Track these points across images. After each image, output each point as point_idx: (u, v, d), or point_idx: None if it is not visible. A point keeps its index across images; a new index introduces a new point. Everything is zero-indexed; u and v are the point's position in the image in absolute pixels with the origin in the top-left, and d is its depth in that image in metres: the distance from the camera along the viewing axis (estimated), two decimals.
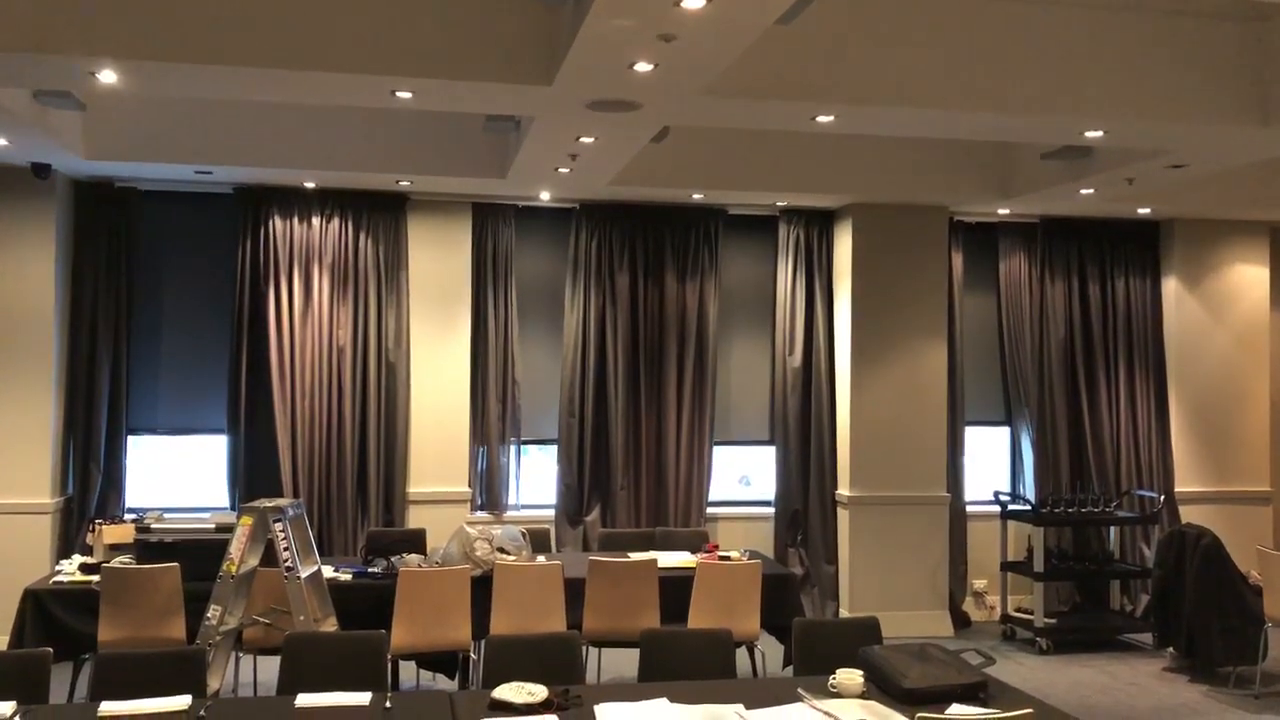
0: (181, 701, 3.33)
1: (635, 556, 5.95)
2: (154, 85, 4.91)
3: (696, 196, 7.70)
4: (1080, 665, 7.16)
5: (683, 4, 3.67)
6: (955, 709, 3.42)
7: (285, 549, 4.85)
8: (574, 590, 5.52)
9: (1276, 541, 8.66)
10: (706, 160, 7.20)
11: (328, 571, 5.56)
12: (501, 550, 5.80)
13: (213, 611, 4.74)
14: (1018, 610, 7.96)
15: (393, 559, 5.84)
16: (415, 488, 7.66)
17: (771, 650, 5.92)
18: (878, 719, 3.36)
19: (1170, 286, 8.61)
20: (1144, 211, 8.16)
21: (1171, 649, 7.05)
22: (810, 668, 4.11)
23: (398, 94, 4.90)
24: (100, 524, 5.99)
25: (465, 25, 4.66)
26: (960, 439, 8.25)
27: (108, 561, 5.51)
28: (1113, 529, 8.23)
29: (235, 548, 4.81)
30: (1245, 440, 8.62)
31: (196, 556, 5.30)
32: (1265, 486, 8.64)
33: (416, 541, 6.44)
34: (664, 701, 3.51)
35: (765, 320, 8.32)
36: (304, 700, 3.50)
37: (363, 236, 7.60)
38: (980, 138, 5.98)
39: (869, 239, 7.93)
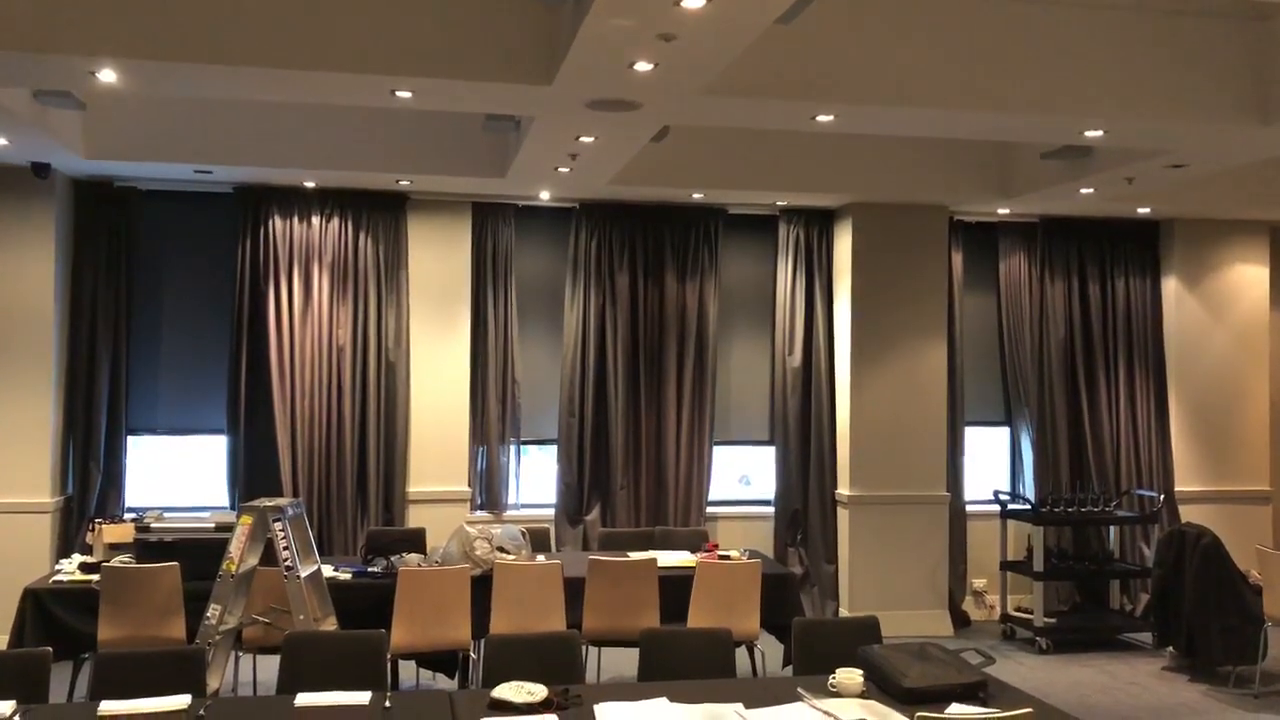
0: (181, 701, 3.32)
1: (635, 556, 5.96)
2: (154, 85, 4.91)
3: (696, 196, 7.70)
4: (1080, 665, 7.16)
5: (682, 4, 3.67)
6: (955, 708, 3.43)
7: (285, 548, 4.85)
8: (574, 590, 5.52)
9: (1276, 541, 8.66)
10: (706, 160, 7.20)
11: (327, 571, 5.57)
12: (501, 550, 5.80)
13: (212, 611, 4.74)
14: (1017, 610, 7.96)
15: (392, 558, 5.84)
16: (415, 487, 7.67)
17: (771, 650, 5.92)
18: (877, 718, 3.36)
19: (1170, 286, 8.61)
20: (1144, 211, 8.16)
21: (1171, 648, 7.05)
22: (810, 667, 4.11)
23: (398, 94, 4.90)
24: (100, 523, 6.00)
25: (465, 25, 4.66)
26: (960, 438, 8.25)
27: (107, 561, 5.51)
28: (1112, 528, 8.23)
29: (235, 547, 4.81)
30: (1245, 440, 8.62)
31: (196, 556, 5.30)
32: (1265, 486, 8.64)
33: (416, 541, 6.44)
34: (664, 701, 3.51)
35: (765, 320, 8.32)
36: (303, 700, 3.50)
37: (362, 236, 7.60)
38: (980, 137, 5.98)
39: (869, 239, 7.93)
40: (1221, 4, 5.25)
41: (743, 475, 8.51)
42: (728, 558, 6.07)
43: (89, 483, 7.19)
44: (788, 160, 7.29)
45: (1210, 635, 6.56)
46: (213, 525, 5.87)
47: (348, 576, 5.66)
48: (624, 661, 5.24)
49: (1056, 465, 8.42)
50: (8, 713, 3.31)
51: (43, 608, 5.27)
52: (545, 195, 7.75)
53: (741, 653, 5.36)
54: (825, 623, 4.77)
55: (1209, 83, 5.31)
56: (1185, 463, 8.56)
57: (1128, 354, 8.53)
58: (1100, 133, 5.56)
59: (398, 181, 7.22)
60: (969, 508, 8.31)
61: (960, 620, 8.13)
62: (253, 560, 4.96)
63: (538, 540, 6.41)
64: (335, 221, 7.56)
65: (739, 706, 3.44)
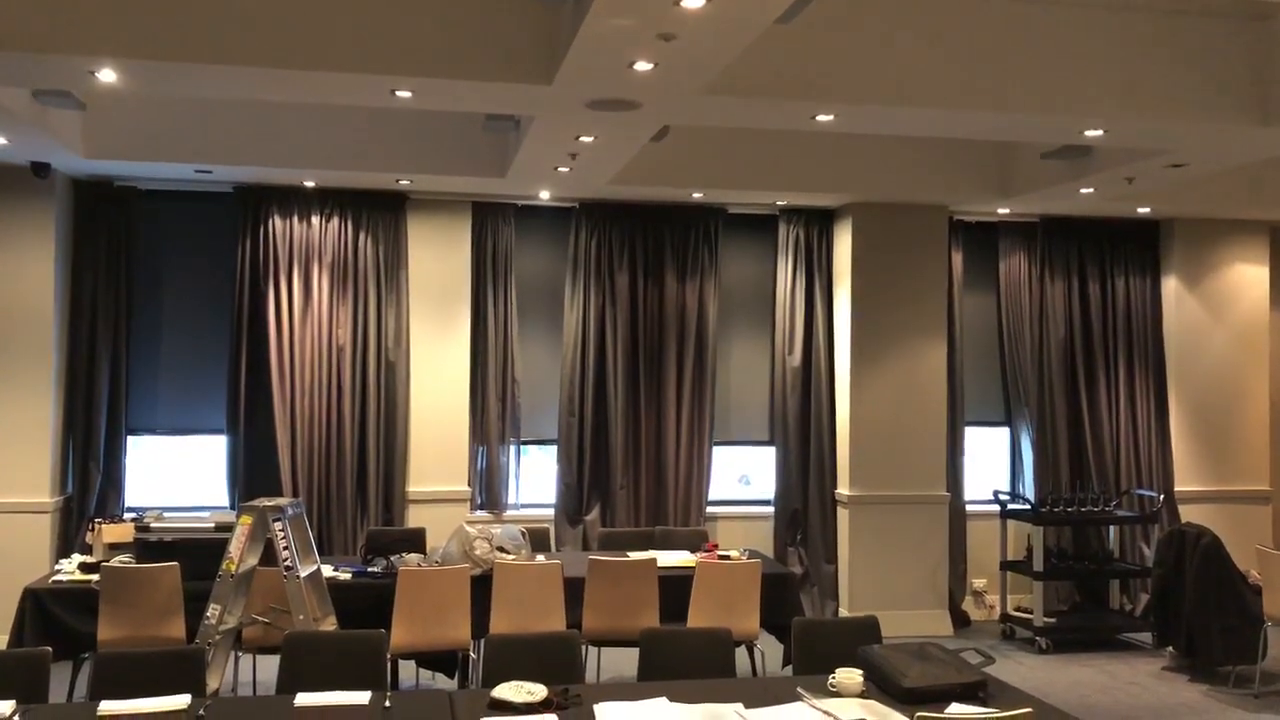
0: (181, 701, 3.33)
1: (635, 556, 5.96)
2: (154, 85, 4.91)
3: (696, 196, 7.70)
4: (1080, 664, 7.16)
5: (682, 3, 3.67)
6: (955, 708, 3.43)
7: (285, 548, 4.85)
8: (573, 589, 5.52)
9: (1276, 541, 8.66)
10: (706, 159, 7.20)
11: (327, 570, 5.57)
12: (501, 549, 5.80)
13: (212, 611, 4.74)
14: (1017, 609, 7.96)
15: (392, 558, 5.84)
16: (415, 487, 7.67)
17: (771, 649, 5.92)
18: (877, 718, 3.36)
19: (1170, 286, 8.61)
20: (1144, 211, 8.16)
21: (1171, 648, 7.05)
22: (810, 667, 4.11)
23: (398, 93, 4.90)
24: (100, 523, 5.99)
25: (465, 25, 4.66)
26: (960, 438, 8.25)
27: (107, 561, 5.51)
28: (1112, 528, 8.23)
29: (235, 547, 4.81)
30: (1245, 439, 8.62)
31: (196, 556, 5.30)
32: (1265, 486, 8.64)
33: (416, 541, 6.44)
34: (663, 701, 3.51)
35: (765, 320, 8.32)
36: (303, 699, 3.50)
37: (362, 236, 7.60)
38: (980, 137, 5.98)
39: (869, 238, 7.93)
40: (1221, 4, 5.25)
41: (742, 475, 8.51)
42: (727, 557, 6.07)
43: (89, 483, 7.19)
44: (788, 160, 7.29)
45: (1210, 635, 6.56)
46: (212, 525, 5.86)
47: (347, 576, 5.67)
48: (624, 661, 5.24)
49: (1056, 465, 8.42)
50: (7, 712, 3.31)
51: (42, 607, 5.27)
52: (545, 195, 7.75)
53: (741, 652, 5.36)
54: (825, 623, 4.77)
55: (1209, 83, 5.30)
56: (1185, 462, 8.56)
57: (1128, 354, 8.53)
58: (1100, 132, 5.56)
59: (398, 181, 7.22)
60: (969, 507, 8.31)
61: (960, 620, 8.13)
62: (252, 560, 4.96)
63: (537, 540, 6.41)
64: (335, 221, 7.56)
65: (739, 706, 3.44)
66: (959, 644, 5.84)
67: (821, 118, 5.34)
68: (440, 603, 5.32)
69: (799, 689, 3.61)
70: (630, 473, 7.90)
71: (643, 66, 4.38)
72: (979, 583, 8.42)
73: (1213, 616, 6.56)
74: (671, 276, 7.99)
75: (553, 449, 7.93)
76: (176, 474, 7.68)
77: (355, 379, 7.54)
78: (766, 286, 8.32)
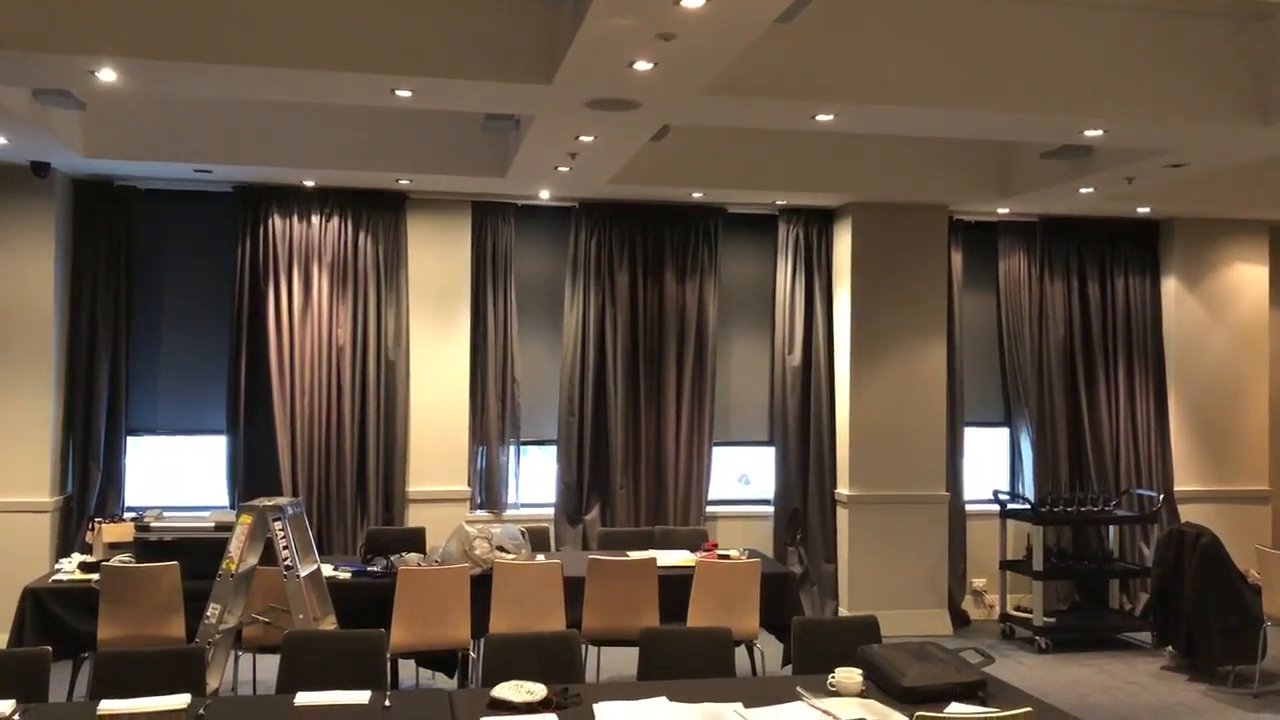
0: (181, 700, 3.32)
1: (634, 555, 5.96)
2: (154, 85, 4.91)
3: (696, 195, 7.70)
4: (1079, 664, 7.17)
5: (682, 3, 3.67)
6: (954, 708, 3.43)
7: (284, 547, 4.85)
8: (573, 589, 5.52)
9: (1275, 540, 8.66)
10: (706, 159, 7.20)
11: (327, 570, 5.57)
12: (501, 549, 5.80)
13: (212, 610, 4.74)
14: (1017, 609, 7.96)
15: (392, 558, 5.84)
16: (414, 486, 7.67)
17: (771, 649, 5.93)
18: (877, 718, 3.36)
19: (1170, 286, 8.61)
20: (1143, 211, 8.16)
21: (1170, 648, 7.06)
22: (809, 666, 4.11)
23: (397, 93, 4.90)
24: (100, 522, 6.00)
25: (465, 24, 4.66)
26: (960, 438, 8.25)
27: (107, 560, 5.51)
28: (1112, 528, 8.24)
29: (234, 546, 4.82)
30: (1244, 439, 8.62)
31: (196, 555, 5.30)
32: (1264, 485, 8.64)
33: (416, 540, 6.44)
34: (663, 700, 3.51)
35: (765, 319, 8.33)
36: (303, 699, 3.50)
37: (362, 235, 7.60)
38: (980, 137, 5.98)
39: (868, 238, 7.93)
40: (1221, 4, 5.25)
41: (742, 474, 8.51)
42: (727, 557, 6.07)
43: (89, 482, 7.19)
44: (787, 160, 7.29)
45: (1210, 635, 6.56)
46: (212, 525, 5.86)
47: (347, 576, 5.67)
48: (623, 661, 5.25)
49: (1056, 464, 8.42)
50: (7, 712, 3.31)
51: (42, 607, 5.27)
52: (545, 195, 7.75)
53: (741, 652, 5.36)
54: (824, 622, 4.77)
55: (1209, 83, 5.31)
56: (1185, 462, 8.56)
57: (1127, 354, 8.53)
58: (1100, 132, 5.56)
59: (397, 181, 7.22)
60: (968, 507, 8.32)
61: (960, 620, 8.13)
62: (252, 560, 4.96)
63: (537, 540, 6.41)
64: (335, 221, 7.56)
65: (738, 706, 3.45)
66: (958, 643, 5.84)
67: (821, 118, 5.35)
68: (440, 602, 5.32)
69: (798, 688, 3.61)
70: (630, 472, 7.90)
71: (643, 66, 4.38)
72: (978, 582, 8.42)
73: (1212, 616, 6.56)
74: (671, 276, 7.99)
75: (552, 449, 7.93)
76: (176, 474, 7.68)
77: (355, 379, 7.54)
78: (766, 286, 8.32)
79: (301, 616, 4.79)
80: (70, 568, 5.63)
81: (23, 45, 4.33)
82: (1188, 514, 8.31)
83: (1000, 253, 8.51)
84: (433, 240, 7.75)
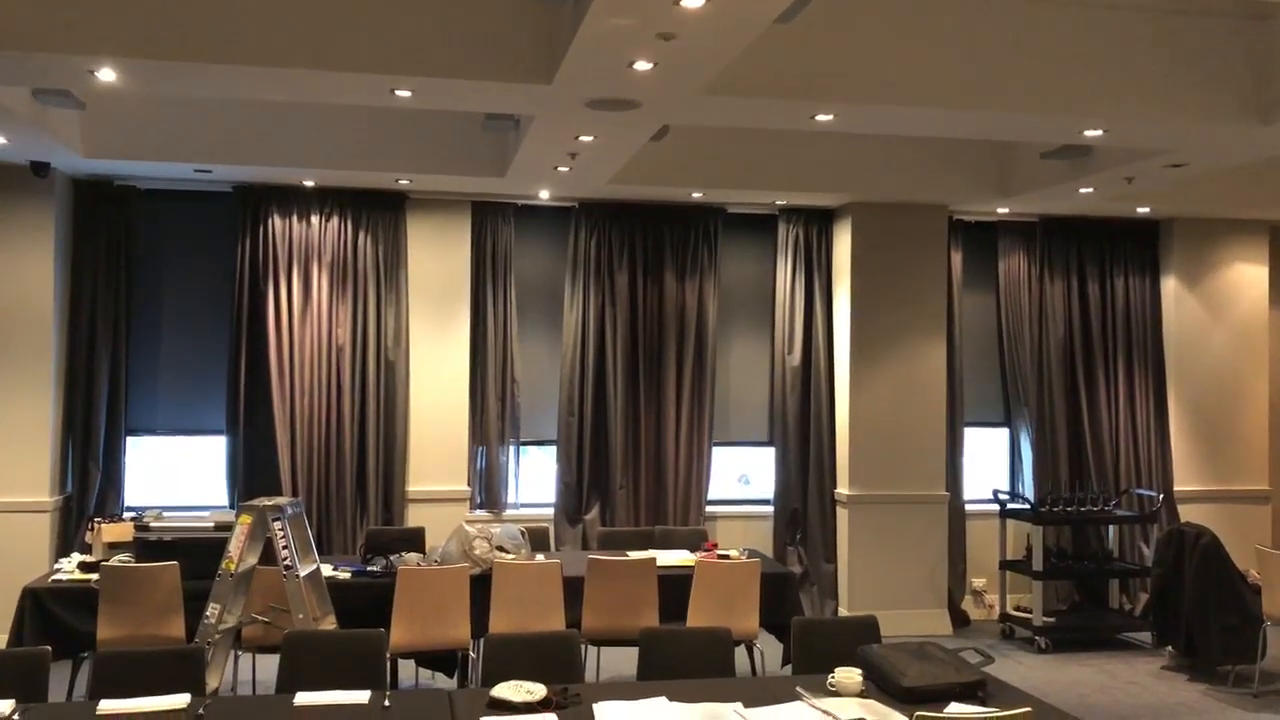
0: (180, 700, 3.33)
1: (634, 555, 5.96)
2: (154, 84, 4.91)
3: (696, 195, 7.70)
4: (1079, 664, 7.17)
5: (682, 3, 3.67)
6: (954, 708, 3.43)
7: (284, 547, 4.85)
8: (573, 589, 5.52)
9: (1275, 540, 8.67)
10: (706, 159, 7.20)
11: (327, 570, 5.57)
12: (500, 549, 5.80)
13: (211, 610, 4.74)
14: (1016, 609, 7.96)
15: (392, 558, 5.84)
16: (414, 486, 7.67)
17: (770, 649, 5.93)
18: (876, 718, 3.36)
19: (1169, 285, 8.61)
20: (1143, 210, 8.16)
21: (1170, 648, 7.06)
22: (809, 666, 4.11)
23: (397, 93, 4.90)
24: (99, 522, 6.00)
25: (465, 24, 4.66)
26: (959, 437, 8.25)
27: (107, 560, 5.51)
28: (1112, 528, 8.23)
29: (234, 546, 4.81)
30: (1244, 439, 8.63)
31: (195, 555, 5.30)
32: (1264, 485, 8.64)
33: (415, 540, 6.44)
34: (663, 700, 3.51)
35: (764, 319, 8.33)
36: (303, 699, 3.50)
37: (362, 235, 7.60)
38: (980, 137, 5.98)
39: (868, 238, 7.93)
40: (1221, 4, 5.25)
41: (742, 474, 8.51)
42: (727, 557, 6.07)
43: (88, 482, 7.19)
44: (787, 160, 7.29)
45: (1209, 635, 6.56)
46: (212, 524, 5.86)
47: (347, 576, 5.67)
48: (623, 661, 5.25)
49: (1056, 464, 8.42)
50: (7, 712, 3.31)
51: (42, 607, 5.27)
52: (545, 194, 7.75)
53: (740, 652, 5.36)
54: (824, 622, 4.77)
55: (1209, 83, 5.31)
56: (1184, 462, 8.57)
57: (1127, 353, 8.53)
58: (1100, 132, 5.56)
59: (397, 181, 7.22)
60: (968, 507, 8.32)
61: (959, 619, 8.13)
62: (252, 559, 4.96)
63: (537, 539, 6.41)
64: (335, 221, 7.56)
65: (738, 706, 3.45)
66: (958, 643, 5.84)
67: (821, 117, 5.35)
68: (440, 602, 5.32)
69: (798, 688, 3.61)
70: (630, 472, 7.90)
71: (642, 66, 4.38)
72: (978, 582, 8.42)
73: (1212, 616, 6.56)
74: (671, 276, 7.99)
75: (552, 449, 7.93)
76: (176, 474, 7.68)
77: (355, 379, 7.54)
78: (766, 286, 8.32)
79: (301, 616, 4.79)
80: (70, 568, 5.62)
81: (23, 45, 4.33)
82: (1187, 514, 8.31)
83: (1000, 253, 8.51)
84: (432, 240, 7.75)
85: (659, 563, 5.75)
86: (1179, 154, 6.04)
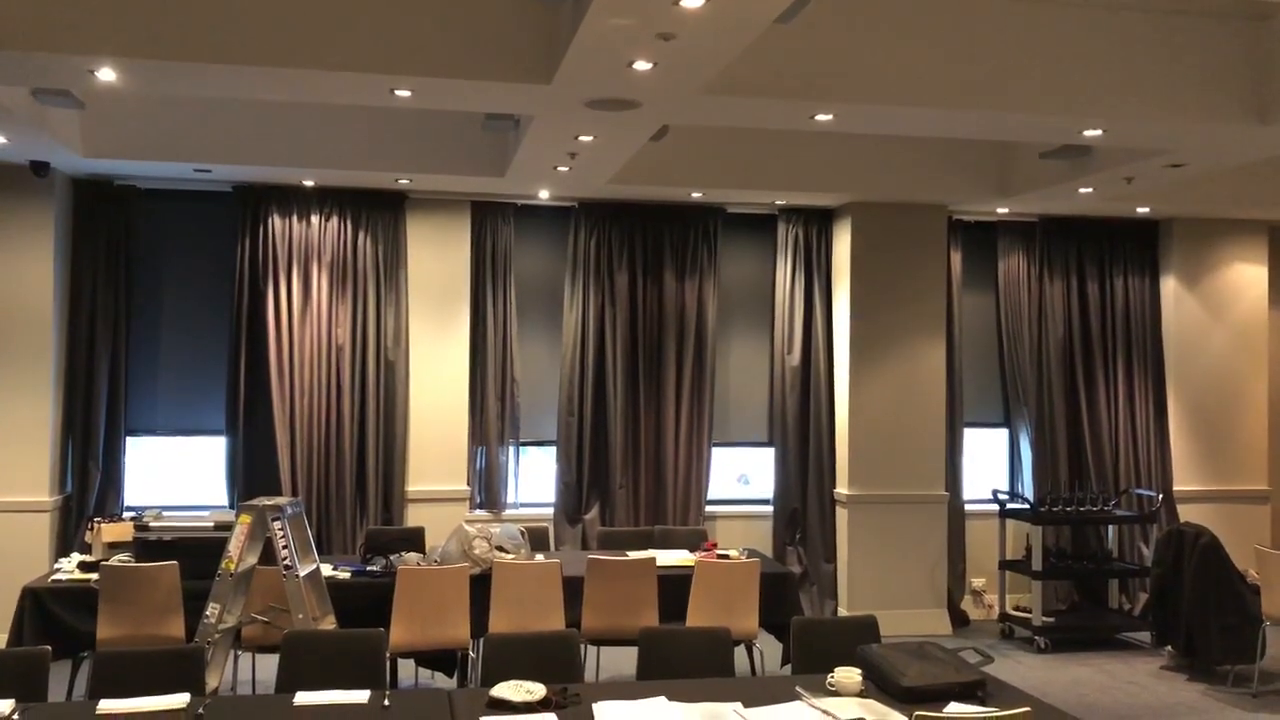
0: (180, 700, 3.33)
1: (634, 555, 5.96)
2: (154, 84, 4.91)
3: (695, 195, 7.70)
4: (1078, 664, 7.17)
5: (682, 3, 3.67)
6: (953, 707, 3.43)
7: (284, 547, 4.85)
8: (573, 589, 5.52)
9: (1274, 540, 8.67)
10: (705, 159, 7.20)
11: (326, 570, 5.57)
12: (500, 549, 5.80)
13: (211, 610, 4.74)
14: (1016, 609, 7.96)
15: (391, 557, 5.84)
16: (414, 486, 7.67)
17: (770, 649, 5.93)
18: (876, 717, 3.36)
19: (1169, 286, 8.61)
20: (1143, 210, 8.16)
21: (1170, 647, 7.06)
22: (808, 666, 4.11)
23: (397, 92, 4.90)
24: (99, 522, 6.00)
25: (465, 24, 4.66)
26: (959, 437, 8.25)
27: (106, 560, 5.51)
28: (1111, 528, 8.24)
29: (234, 546, 4.82)
30: (1243, 439, 8.63)
31: (195, 555, 5.30)
32: (1263, 485, 8.65)
33: (415, 540, 6.45)
34: (662, 700, 3.51)
35: (764, 319, 8.33)
36: (302, 698, 3.50)
37: (362, 235, 7.60)
38: (980, 137, 5.98)
39: (868, 238, 7.93)
40: (1221, 4, 5.25)
41: (741, 474, 8.51)
42: (727, 557, 6.07)
43: (88, 482, 7.19)
44: (787, 159, 7.29)
45: (1209, 634, 6.57)
46: (212, 524, 5.87)
47: (346, 575, 5.67)
48: (623, 660, 5.25)
49: (1055, 464, 8.42)
50: (7, 711, 3.31)
51: (42, 606, 5.27)
52: (544, 194, 7.76)
53: (740, 652, 5.37)
54: (824, 622, 4.77)
55: (1209, 83, 5.31)
56: (1184, 462, 8.57)
57: (1126, 354, 8.53)
58: (1099, 132, 5.56)
59: (397, 180, 7.22)
60: (968, 507, 8.32)
61: (959, 619, 8.13)
62: (252, 559, 4.96)
63: (536, 539, 6.42)
64: (334, 220, 7.56)
65: (738, 705, 3.45)
66: (958, 643, 5.85)
67: (821, 118, 5.35)
68: (439, 602, 5.32)
69: (798, 688, 3.61)
70: (629, 472, 7.90)
71: (642, 66, 4.38)
72: (978, 582, 8.42)
73: (1211, 616, 6.57)
74: (671, 276, 7.99)
75: (552, 449, 7.93)
76: (176, 474, 7.68)
77: (354, 379, 7.54)
78: (765, 286, 8.32)
79: (301, 616, 4.79)
80: (70, 567, 5.63)
81: (23, 45, 4.33)
82: (1187, 514, 8.32)
83: (1000, 253, 8.51)
84: (432, 240, 7.76)
85: (659, 563, 5.76)
86: (1179, 154, 6.04)
